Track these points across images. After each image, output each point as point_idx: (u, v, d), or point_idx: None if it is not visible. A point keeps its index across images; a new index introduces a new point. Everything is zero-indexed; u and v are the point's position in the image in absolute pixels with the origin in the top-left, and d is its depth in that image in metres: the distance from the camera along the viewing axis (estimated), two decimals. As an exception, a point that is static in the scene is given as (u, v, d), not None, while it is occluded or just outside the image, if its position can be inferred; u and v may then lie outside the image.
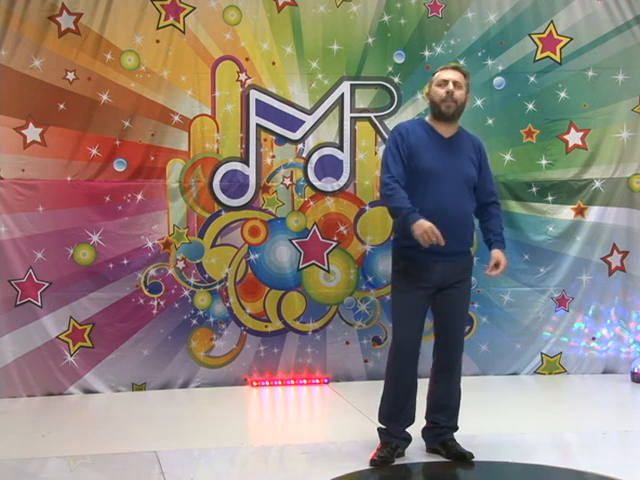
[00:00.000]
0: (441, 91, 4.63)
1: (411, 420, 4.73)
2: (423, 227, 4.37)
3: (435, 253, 4.55)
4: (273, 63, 6.43)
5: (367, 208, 6.54)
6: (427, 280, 4.61)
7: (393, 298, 4.77)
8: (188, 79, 6.31)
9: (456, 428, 4.78)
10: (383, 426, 4.73)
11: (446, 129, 4.69)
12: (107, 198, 6.24)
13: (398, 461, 4.66)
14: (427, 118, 4.78)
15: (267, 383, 6.48)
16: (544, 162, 6.71)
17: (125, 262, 6.27)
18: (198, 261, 6.40)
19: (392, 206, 4.58)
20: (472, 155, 4.73)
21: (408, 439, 4.74)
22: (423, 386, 4.83)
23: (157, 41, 6.25)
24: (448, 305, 4.69)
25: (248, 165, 6.42)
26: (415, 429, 4.80)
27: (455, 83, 4.64)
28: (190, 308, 6.39)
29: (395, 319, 4.74)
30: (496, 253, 4.73)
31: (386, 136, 6.25)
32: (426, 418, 4.81)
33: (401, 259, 4.69)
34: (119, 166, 6.25)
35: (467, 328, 6.65)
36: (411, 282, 4.62)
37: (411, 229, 4.40)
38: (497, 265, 4.69)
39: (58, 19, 6.09)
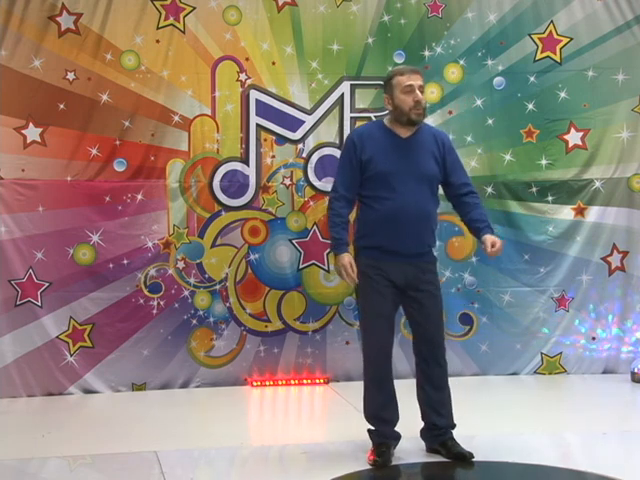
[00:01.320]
0: (409, 99, 4.58)
1: (397, 418, 4.73)
2: (342, 261, 4.59)
3: (395, 254, 4.59)
4: (273, 63, 6.43)
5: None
6: (390, 278, 4.60)
7: (360, 301, 4.75)
8: (188, 79, 6.31)
9: (454, 426, 4.78)
10: (372, 427, 4.74)
11: (405, 130, 4.67)
12: (107, 198, 6.24)
13: (397, 461, 4.66)
14: (386, 120, 4.76)
15: (267, 383, 6.49)
16: (544, 162, 6.71)
17: (125, 262, 6.27)
18: (198, 261, 6.40)
19: (329, 230, 4.74)
20: (434, 150, 4.68)
21: (398, 437, 4.74)
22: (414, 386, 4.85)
23: (157, 41, 6.25)
24: (420, 308, 4.68)
25: (248, 165, 6.42)
26: (414, 429, 4.81)
27: (420, 88, 4.61)
28: (190, 308, 6.39)
29: (365, 320, 4.72)
30: (488, 237, 4.64)
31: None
32: (422, 420, 4.81)
33: (362, 259, 4.68)
34: (119, 166, 6.25)
35: (467, 328, 6.68)
36: (377, 282, 4.61)
37: (335, 259, 4.65)
38: (493, 245, 4.61)
39: (58, 19, 6.09)
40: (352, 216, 4.88)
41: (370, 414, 4.74)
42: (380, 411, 4.71)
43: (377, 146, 4.64)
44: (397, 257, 4.61)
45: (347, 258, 4.60)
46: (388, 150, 4.63)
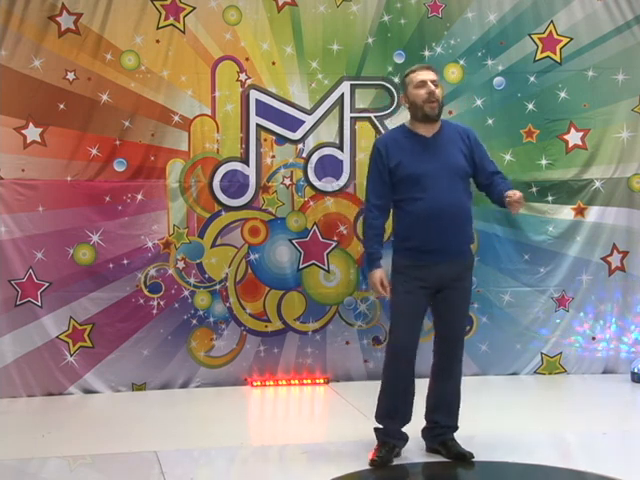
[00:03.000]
0: (422, 92, 4.61)
1: (408, 419, 4.73)
2: (372, 280, 4.68)
3: (437, 253, 4.59)
4: (273, 63, 6.43)
5: (367, 208, 6.54)
6: (427, 280, 4.61)
7: (392, 298, 4.76)
8: (188, 79, 6.31)
9: (456, 428, 4.78)
10: (380, 425, 4.74)
11: (427, 129, 4.69)
12: (107, 198, 6.24)
13: (398, 461, 4.67)
14: (407, 122, 4.78)
15: (267, 383, 6.48)
16: (544, 162, 6.71)
17: (125, 262, 6.27)
18: (198, 261, 6.40)
19: (364, 242, 4.85)
20: (460, 145, 4.71)
21: (405, 439, 4.74)
22: (422, 386, 4.84)
23: (157, 41, 6.25)
24: (449, 305, 4.70)
25: (248, 165, 6.42)
26: (415, 429, 4.81)
27: (433, 82, 4.65)
28: (190, 308, 6.39)
29: (394, 319, 4.74)
30: (509, 191, 4.63)
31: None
32: (426, 418, 4.82)
33: (401, 259, 4.70)
34: (119, 166, 6.25)
35: (467, 328, 6.66)
36: (411, 282, 4.62)
37: (369, 275, 4.74)
38: (514, 194, 4.59)
39: (58, 19, 6.09)
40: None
41: (380, 414, 4.74)
42: (391, 413, 4.71)
43: (403, 150, 4.65)
44: (436, 257, 4.60)
45: (378, 274, 4.65)
46: (414, 152, 4.64)
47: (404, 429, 4.73)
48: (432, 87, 4.62)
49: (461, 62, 6.58)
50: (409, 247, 4.63)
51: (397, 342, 4.67)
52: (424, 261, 4.60)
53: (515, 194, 4.59)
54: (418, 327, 4.70)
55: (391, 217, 4.79)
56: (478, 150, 4.78)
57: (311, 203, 6.53)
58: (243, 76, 6.38)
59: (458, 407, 4.80)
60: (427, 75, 4.66)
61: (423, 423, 4.82)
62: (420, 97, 4.62)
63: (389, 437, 4.70)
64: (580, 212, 6.74)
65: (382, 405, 4.74)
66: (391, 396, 4.70)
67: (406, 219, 4.65)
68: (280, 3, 6.40)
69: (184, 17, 6.27)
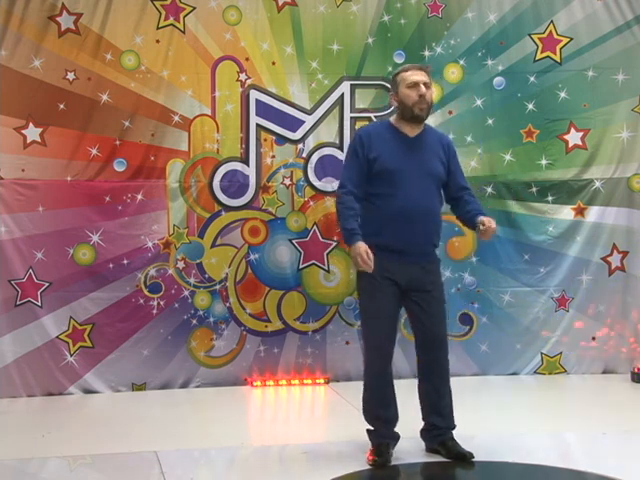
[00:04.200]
0: (413, 94, 4.61)
1: (396, 418, 4.73)
2: (357, 250, 4.47)
3: (400, 253, 4.58)
4: (273, 63, 6.43)
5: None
6: (394, 279, 4.59)
7: (362, 300, 4.74)
8: (188, 79, 6.31)
9: (454, 427, 4.77)
10: (371, 427, 4.74)
11: (411, 129, 4.69)
12: (107, 198, 6.24)
13: (397, 461, 4.66)
14: (392, 119, 4.79)
15: (267, 383, 6.48)
16: (544, 162, 6.71)
17: (125, 262, 6.27)
18: (198, 261, 6.40)
19: (339, 223, 4.68)
20: (439, 152, 4.71)
21: (397, 437, 4.73)
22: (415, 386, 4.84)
23: (157, 41, 6.25)
24: (423, 310, 4.67)
25: (248, 165, 6.42)
26: (414, 429, 4.81)
27: (425, 84, 4.64)
28: (190, 308, 6.39)
29: (366, 320, 4.72)
30: (483, 217, 4.62)
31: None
32: (423, 420, 4.81)
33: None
34: (119, 166, 6.25)
35: (467, 328, 6.68)
36: (379, 281, 4.59)
37: (350, 250, 4.54)
38: (490, 222, 4.58)
39: (58, 19, 6.09)
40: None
41: (369, 415, 4.75)
42: (379, 412, 4.71)
43: (384, 144, 4.66)
44: (402, 256, 4.60)
45: (362, 246, 4.48)
46: (395, 148, 4.65)
47: (399, 425, 4.73)
48: (423, 90, 4.61)
49: (461, 62, 6.59)
50: (374, 244, 4.56)
51: (378, 343, 4.65)
52: (389, 260, 4.58)
53: (491, 225, 4.58)
54: (394, 326, 4.71)
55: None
56: (454, 161, 4.80)
57: (311, 203, 6.53)
58: (243, 76, 6.39)
59: (451, 407, 4.78)
60: (420, 77, 4.64)
61: (422, 423, 4.82)
62: (411, 99, 4.62)
63: (381, 437, 4.70)
64: (580, 212, 6.74)
65: (369, 408, 4.74)
66: (379, 397, 4.70)
67: (376, 215, 4.63)
68: (280, 3, 6.41)
69: (184, 17, 6.27)
